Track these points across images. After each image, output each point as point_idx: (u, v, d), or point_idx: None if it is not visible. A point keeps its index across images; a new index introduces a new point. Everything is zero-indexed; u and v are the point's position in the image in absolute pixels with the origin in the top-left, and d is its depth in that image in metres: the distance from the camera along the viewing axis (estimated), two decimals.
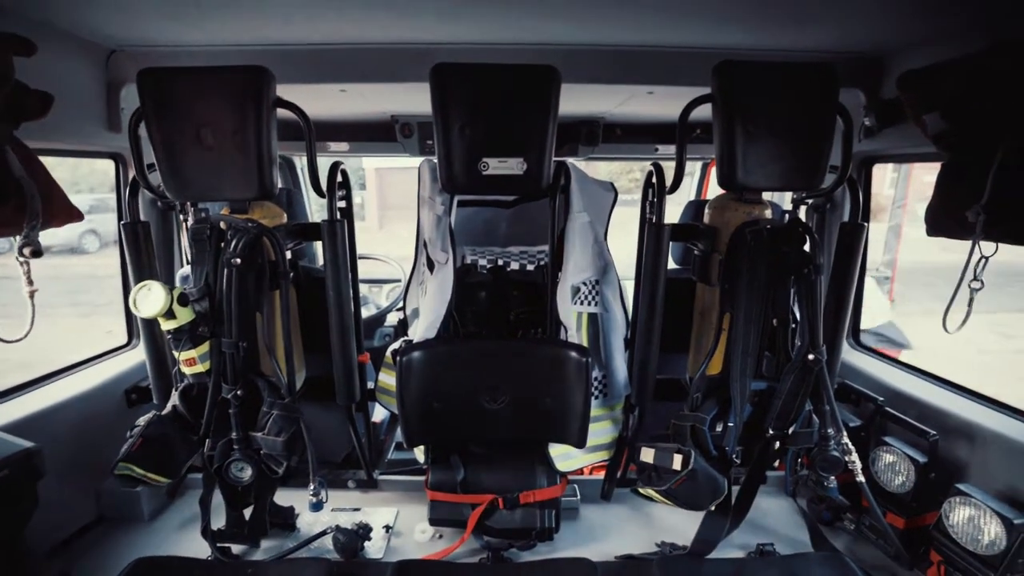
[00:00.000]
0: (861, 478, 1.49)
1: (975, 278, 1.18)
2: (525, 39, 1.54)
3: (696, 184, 3.11)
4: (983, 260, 1.17)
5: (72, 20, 1.35)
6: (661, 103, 1.88)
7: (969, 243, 1.19)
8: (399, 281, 2.96)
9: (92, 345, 1.95)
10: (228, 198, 1.45)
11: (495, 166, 1.41)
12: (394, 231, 11.36)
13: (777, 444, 1.54)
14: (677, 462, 1.43)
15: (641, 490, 1.57)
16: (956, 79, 1.20)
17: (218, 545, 1.59)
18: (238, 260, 1.39)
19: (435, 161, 1.46)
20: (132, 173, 1.52)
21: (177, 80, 1.30)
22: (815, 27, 1.39)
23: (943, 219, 1.26)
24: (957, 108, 1.21)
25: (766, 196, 1.53)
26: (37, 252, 1.17)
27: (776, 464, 1.87)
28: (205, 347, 1.48)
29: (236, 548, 1.64)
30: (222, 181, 1.35)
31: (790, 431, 1.51)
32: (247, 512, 1.65)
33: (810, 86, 1.35)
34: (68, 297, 7.71)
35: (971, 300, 1.19)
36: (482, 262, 1.80)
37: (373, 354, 2.02)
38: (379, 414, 2.15)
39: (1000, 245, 1.17)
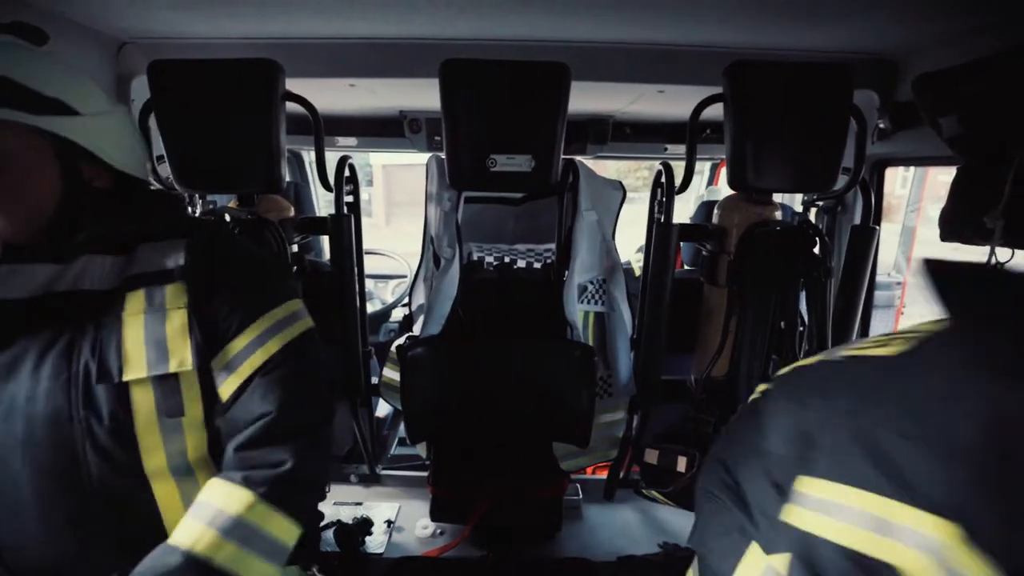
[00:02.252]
0: None
1: None
2: (536, 35, 1.53)
3: (706, 184, 3.09)
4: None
5: (84, 12, 1.35)
6: (671, 102, 1.86)
7: (980, 248, 1.17)
8: (405, 277, 2.96)
9: None
10: (236, 191, 1.45)
11: (503, 163, 1.40)
12: (401, 227, 11.39)
13: None
14: (681, 464, 1.42)
15: (644, 491, 1.56)
16: (973, 82, 1.18)
17: None
18: None
19: (443, 157, 1.45)
20: None
21: (187, 72, 1.30)
22: (829, 27, 1.37)
23: (958, 224, 1.24)
24: (974, 112, 1.19)
25: (776, 197, 1.52)
26: None
27: None
28: None
29: None
30: (230, 174, 1.36)
31: None
32: None
33: (824, 87, 1.33)
34: None
35: None
36: (489, 259, 1.79)
37: (377, 349, 2.02)
38: (382, 409, 2.15)
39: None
